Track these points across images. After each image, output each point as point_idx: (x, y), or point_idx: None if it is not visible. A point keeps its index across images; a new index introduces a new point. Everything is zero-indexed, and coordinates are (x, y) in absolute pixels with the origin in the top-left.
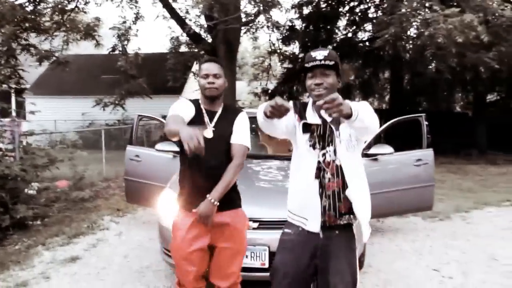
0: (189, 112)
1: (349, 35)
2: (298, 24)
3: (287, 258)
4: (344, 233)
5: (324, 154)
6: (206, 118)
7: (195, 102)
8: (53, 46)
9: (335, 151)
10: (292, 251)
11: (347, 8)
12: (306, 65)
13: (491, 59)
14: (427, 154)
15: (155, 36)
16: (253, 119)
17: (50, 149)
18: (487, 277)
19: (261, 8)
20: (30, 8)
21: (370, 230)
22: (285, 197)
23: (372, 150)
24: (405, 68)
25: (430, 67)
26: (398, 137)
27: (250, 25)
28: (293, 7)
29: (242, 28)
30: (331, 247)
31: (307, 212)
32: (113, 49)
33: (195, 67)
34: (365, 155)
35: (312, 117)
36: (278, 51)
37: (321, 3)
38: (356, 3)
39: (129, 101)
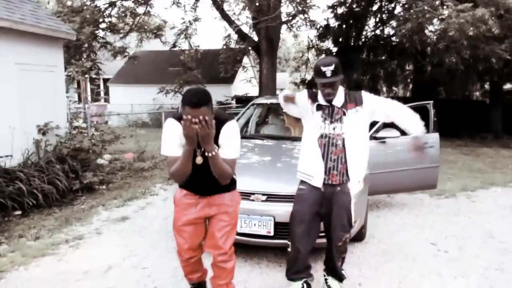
0: (180, 136)
1: (377, 31)
2: (333, 23)
3: (301, 208)
4: (343, 189)
5: (334, 128)
6: (198, 150)
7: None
8: (125, 43)
9: (342, 127)
10: (305, 202)
11: (375, 7)
12: (319, 81)
13: (503, 51)
14: (432, 138)
15: (212, 36)
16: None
17: (115, 128)
18: (481, 252)
19: (299, 9)
20: (107, 12)
21: (360, 187)
22: (293, 175)
23: (380, 134)
24: (426, 60)
25: (447, 59)
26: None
27: (290, 24)
28: (329, 7)
29: (283, 26)
30: (334, 199)
31: (312, 171)
32: (174, 45)
33: (244, 60)
34: (373, 138)
35: (322, 101)
36: (315, 46)
37: (354, 4)
38: (384, 3)
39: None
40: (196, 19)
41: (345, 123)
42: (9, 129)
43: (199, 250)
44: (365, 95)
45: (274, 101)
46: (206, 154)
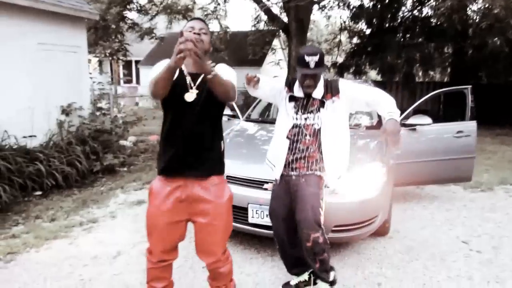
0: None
1: (415, 12)
2: (367, 3)
3: (276, 203)
4: (309, 181)
5: (306, 119)
6: (188, 79)
7: None
8: (152, 25)
9: (314, 118)
10: (278, 197)
11: None
12: (301, 71)
13: None
14: (469, 126)
15: (242, 18)
16: None
17: (137, 109)
18: None
19: None
20: None
21: (337, 181)
22: None
23: (410, 121)
24: (468, 42)
25: (490, 41)
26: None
27: (322, 4)
28: None
29: (315, 6)
30: (299, 192)
31: (275, 161)
32: None
33: (274, 42)
34: (403, 125)
35: (298, 92)
36: (348, 28)
37: None
38: None
39: None
40: (225, 0)
41: (322, 114)
42: (32, 109)
43: (173, 253)
44: (342, 83)
45: None
46: (208, 77)
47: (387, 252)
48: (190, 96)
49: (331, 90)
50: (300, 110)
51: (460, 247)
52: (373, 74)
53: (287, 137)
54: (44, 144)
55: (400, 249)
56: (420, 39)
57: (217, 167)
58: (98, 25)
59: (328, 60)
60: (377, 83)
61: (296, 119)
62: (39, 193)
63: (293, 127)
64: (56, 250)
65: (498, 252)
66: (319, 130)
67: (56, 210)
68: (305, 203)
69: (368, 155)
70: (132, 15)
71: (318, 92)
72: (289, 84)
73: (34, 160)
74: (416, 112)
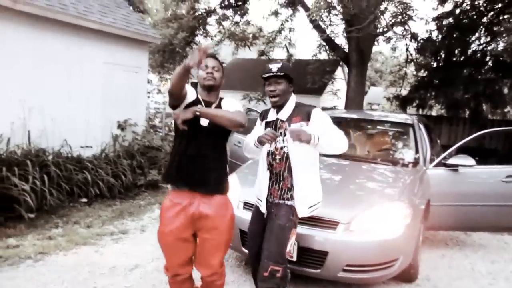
0: (191, 94)
1: (487, 46)
2: (435, 35)
3: (250, 229)
4: (279, 212)
5: (276, 142)
6: (203, 105)
7: (195, 90)
8: (215, 50)
9: (284, 140)
10: (253, 224)
11: (486, 18)
12: (264, 75)
13: None
14: None
15: (307, 46)
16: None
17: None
18: None
19: (396, 20)
20: (203, 20)
21: (309, 211)
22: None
23: (451, 161)
24: None
25: None
26: None
27: (386, 35)
28: (433, 19)
29: (381, 37)
30: (268, 222)
31: (261, 195)
32: (262, 53)
33: (336, 72)
34: (443, 164)
35: (271, 116)
36: (415, 60)
37: (462, 14)
38: (497, 13)
39: None
40: (290, 30)
41: (288, 137)
42: (91, 122)
43: (188, 267)
44: (315, 113)
45: (346, 115)
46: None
47: None
48: (205, 121)
49: (301, 114)
50: None
51: None
52: (437, 109)
53: (268, 168)
54: (97, 155)
55: None
56: (492, 75)
57: (222, 187)
58: (166, 49)
59: (392, 92)
60: (442, 118)
61: (270, 145)
62: (84, 200)
63: (268, 154)
64: (81, 255)
65: None
66: (288, 154)
67: (95, 218)
68: (271, 234)
69: (393, 193)
70: (198, 39)
71: (284, 114)
72: (263, 115)
73: (84, 169)
74: (458, 151)
